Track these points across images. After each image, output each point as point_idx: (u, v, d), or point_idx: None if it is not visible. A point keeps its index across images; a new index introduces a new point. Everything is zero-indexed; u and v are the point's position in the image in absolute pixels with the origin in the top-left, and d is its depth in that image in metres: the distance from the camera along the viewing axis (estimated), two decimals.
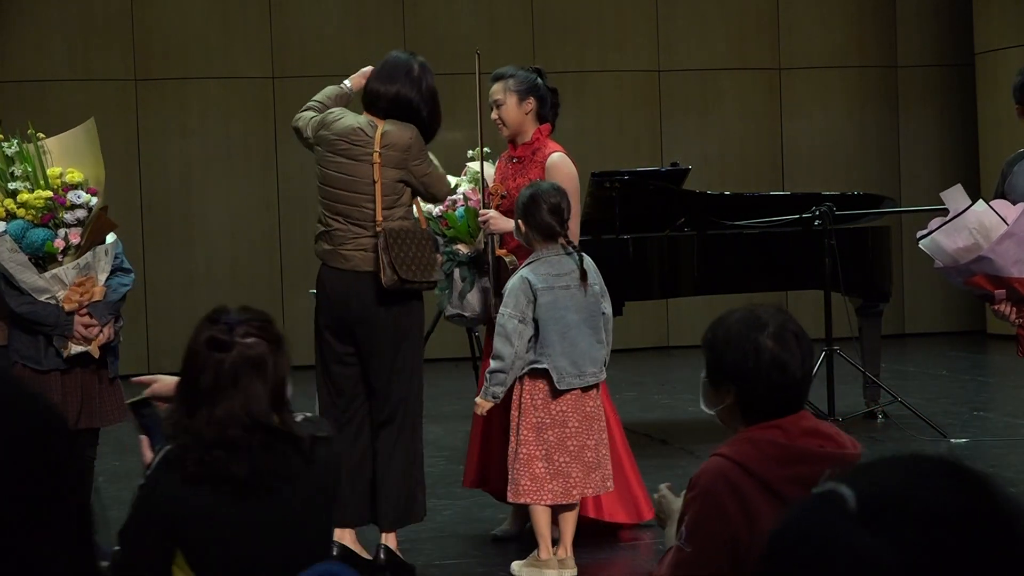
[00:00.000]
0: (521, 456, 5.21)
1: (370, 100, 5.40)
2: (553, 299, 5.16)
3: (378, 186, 5.24)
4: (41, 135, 5.40)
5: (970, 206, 5.22)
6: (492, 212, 5.68)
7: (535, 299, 5.15)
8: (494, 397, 5.19)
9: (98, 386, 5.35)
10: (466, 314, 5.97)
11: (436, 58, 12.44)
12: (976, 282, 5.22)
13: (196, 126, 12.11)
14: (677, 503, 3.07)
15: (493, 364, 5.18)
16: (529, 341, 5.18)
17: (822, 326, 7.94)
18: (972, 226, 5.18)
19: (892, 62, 13.51)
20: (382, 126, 5.30)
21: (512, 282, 5.25)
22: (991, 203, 5.28)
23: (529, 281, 5.17)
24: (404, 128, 5.31)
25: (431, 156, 5.40)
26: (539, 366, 5.18)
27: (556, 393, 5.20)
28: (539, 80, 5.79)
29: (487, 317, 5.83)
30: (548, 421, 5.19)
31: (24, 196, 5.20)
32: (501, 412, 5.58)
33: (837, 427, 3.09)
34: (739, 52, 13.21)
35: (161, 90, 12.02)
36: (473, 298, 5.90)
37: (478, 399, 5.26)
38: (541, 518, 5.24)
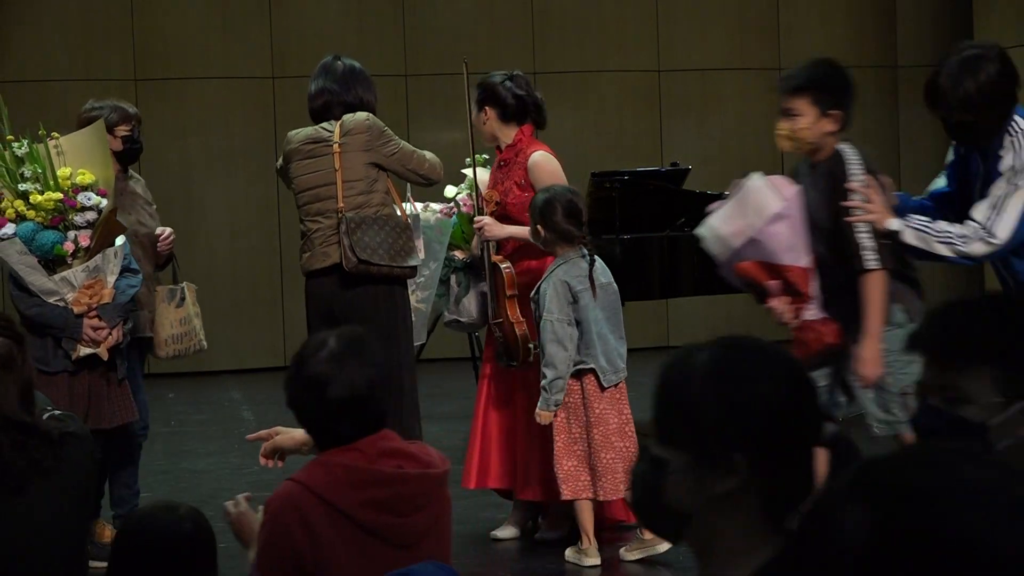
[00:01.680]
0: (577, 453, 5.30)
1: (321, 113, 5.51)
2: (587, 299, 5.26)
3: (338, 174, 5.32)
4: (55, 134, 5.40)
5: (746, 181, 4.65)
6: (486, 219, 5.70)
7: (575, 300, 5.24)
8: (556, 405, 5.27)
9: (106, 388, 5.37)
10: (463, 319, 6.01)
11: (436, 58, 12.48)
12: (745, 269, 4.57)
13: (196, 126, 12.11)
14: (256, 522, 2.98)
15: (550, 373, 5.24)
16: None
17: None
18: (748, 204, 4.58)
19: (892, 62, 13.50)
20: (340, 121, 5.42)
21: (548, 287, 5.28)
22: (771, 178, 4.69)
23: (568, 284, 5.24)
24: (360, 114, 5.44)
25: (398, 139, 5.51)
26: (585, 366, 5.28)
27: (598, 392, 5.30)
28: (499, 86, 5.76)
29: (484, 321, 5.87)
30: (593, 420, 5.30)
31: (35, 198, 5.19)
32: (500, 411, 5.60)
33: (425, 445, 3.04)
34: (739, 52, 13.21)
35: (161, 90, 12.01)
36: (470, 303, 5.95)
37: (540, 411, 5.32)
38: (586, 513, 5.36)
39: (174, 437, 8.70)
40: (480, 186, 5.92)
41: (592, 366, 5.32)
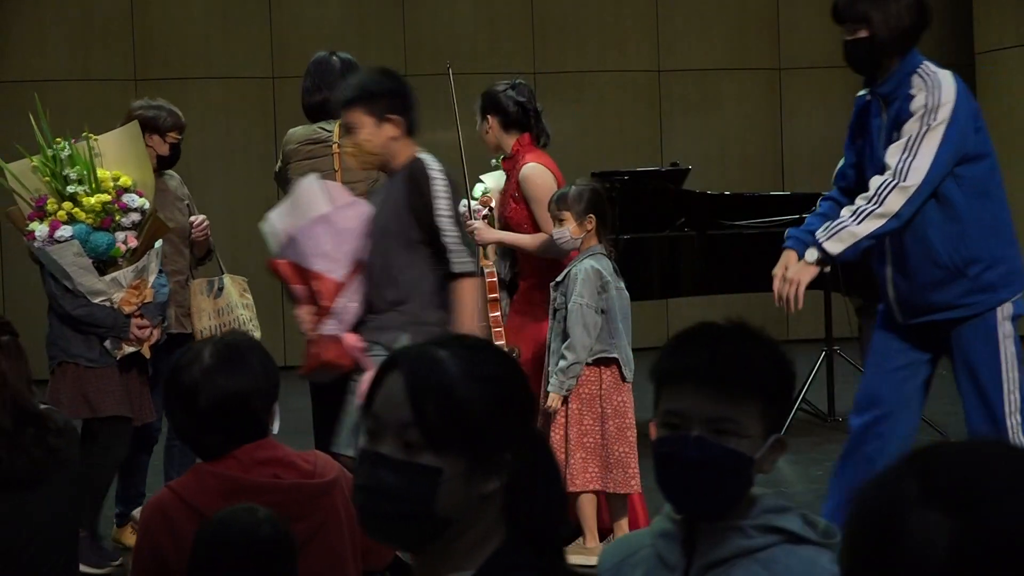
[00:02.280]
0: (587, 445, 5.26)
1: (317, 112, 5.46)
2: (614, 291, 5.24)
3: (338, 175, 5.30)
4: (93, 136, 5.40)
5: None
6: (477, 223, 5.68)
7: (603, 290, 5.20)
8: (568, 390, 5.21)
9: (139, 385, 5.41)
10: None
11: (436, 58, 12.47)
12: (278, 267, 4.48)
13: (196, 126, 12.09)
14: None
15: (570, 356, 5.16)
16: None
17: (822, 326, 7.94)
18: (299, 203, 4.47)
19: None
20: (339, 120, 5.38)
21: (580, 272, 5.21)
22: (329, 183, 4.62)
23: (600, 271, 5.20)
24: None
25: None
26: (608, 355, 5.23)
27: (618, 383, 5.26)
28: (501, 94, 5.73)
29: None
30: (610, 411, 5.25)
31: (87, 200, 5.21)
32: None
33: (316, 453, 3.01)
34: (739, 52, 13.21)
35: (161, 90, 11.98)
36: None
37: (552, 392, 5.22)
38: (589, 509, 5.34)
39: None
40: (494, 191, 5.94)
41: (616, 356, 5.28)
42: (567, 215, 5.26)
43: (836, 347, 7.77)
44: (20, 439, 3.00)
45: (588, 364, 5.25)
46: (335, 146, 5.35)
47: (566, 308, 5.21)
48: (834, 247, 4.18)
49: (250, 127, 12.25)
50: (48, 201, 5.24)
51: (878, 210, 4.13)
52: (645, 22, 13.05)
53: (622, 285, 5.39)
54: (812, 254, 4.21)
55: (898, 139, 4.20)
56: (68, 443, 3.10)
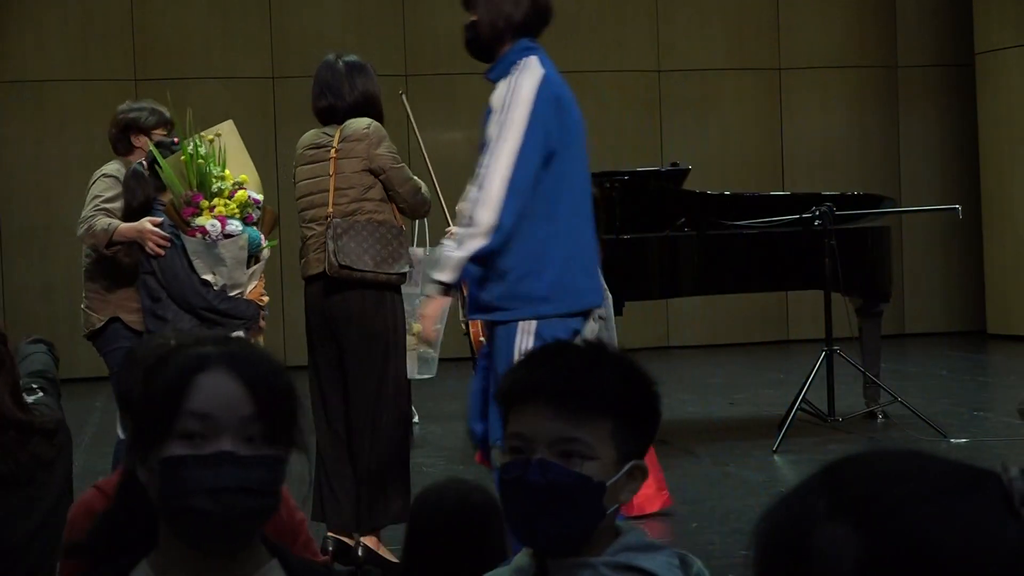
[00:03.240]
0: None
1: (324, 117, 5.48)
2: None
3: (332, 179, 5.30)
4: (208, 136, 5.44)
5: None
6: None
7: None
8: None
9: None
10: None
11: (436, 58, 12.48)
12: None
13: (196, 126, 12.10)
14: None
15: None
16: None
17: (822, 326, 7.94)
18: None
19: (892, 62, 13.50)
20: (341, 126, 5.39)
21: None
22: None
23: None
24: (362, 120, 5.38)
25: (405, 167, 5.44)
26: None
27: None
28: None
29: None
30: None
31: (241, 196, 5.27)
32: None
33: None
34: (739, 52, 13.21)
35: (161, 90, 11.99)
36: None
37: None
38: None
39: None
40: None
41: None
42: None
43: (836, 347, 7.77)
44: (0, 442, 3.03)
45: None
46: (332, 151, 5.36)
47: None
48: (447, 275, 3.99)
49: (250, 127, 12.23)
50: (202, 200, 5.32)
51: (461, 255, 3.95)
52: (645, 22, 13.06)
53: (604, 285, 5.39)
54: (432, 288, 4.06)
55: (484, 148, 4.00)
56: (58, 446, 3.12)
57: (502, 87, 4.00)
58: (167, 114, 5.97)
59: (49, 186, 11.70)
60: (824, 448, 7.24)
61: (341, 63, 5.51)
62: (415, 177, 5.44)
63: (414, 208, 5.45)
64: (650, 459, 5.76)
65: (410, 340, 5.45)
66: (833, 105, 13.38)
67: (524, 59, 4.03)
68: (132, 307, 5.68)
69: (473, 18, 4.09)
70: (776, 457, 7.16)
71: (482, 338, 4.30)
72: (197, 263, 5.27)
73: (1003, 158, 12.56)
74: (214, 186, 5.28)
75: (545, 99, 4.02)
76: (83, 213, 5.53)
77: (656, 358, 12.36)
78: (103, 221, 5.45)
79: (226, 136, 5.49)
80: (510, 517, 1.91)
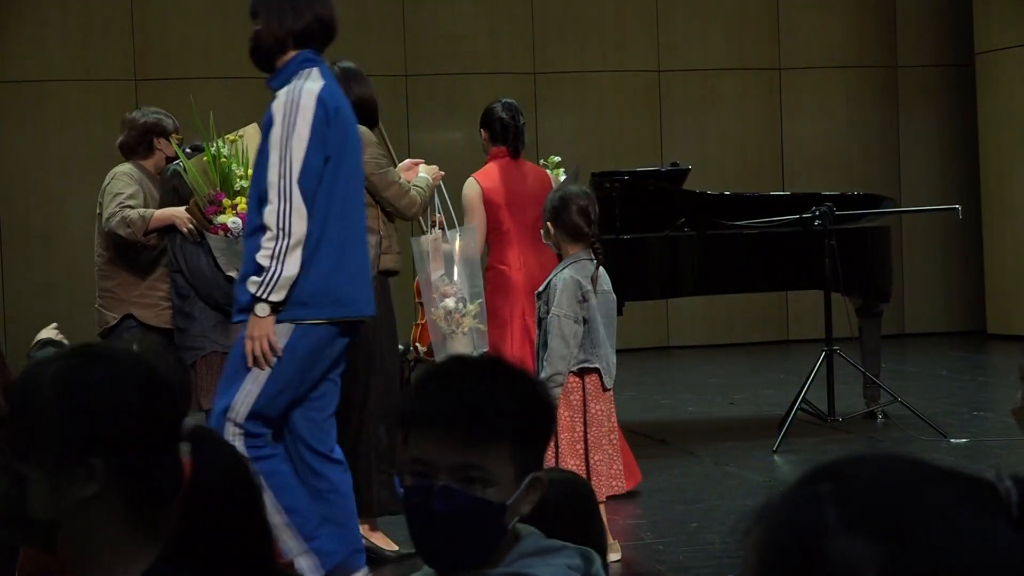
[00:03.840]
0: (579, 452, 5.28)
1: None
2: (595, 300, 5.26)
3: None
4: (232, 136, 5.49)
5: None
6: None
7: (584, 299, 5.22)
8: (555, 400, 5.25)
9: None
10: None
11: (436, 58, 12.48)
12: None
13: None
14: None
15: (550, 368, 5.20)
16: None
17: (822, 326, 7.94)
18: None
19: (892, 62, 13.50)
20: None
21: (559, 282, 5.25)
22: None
23: (579, 281, 5.22)
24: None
25: (394, 171, 5.49)
26: (589, 365, 5.26)
27: (599, 391, 5.29)
28: (493, 110, 6.31)
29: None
30: (588, 419, 5.29)
31: None
32: None
33: None
34: (739, 52, 13.22)
35: (161, 90, 12.01)
36: None
37: None
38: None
39: None
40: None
41: (597, 365, 5.30)
42: (548, 223, 5.35)
43: (836, 347, 7.77)
44: None
45: (572, 372, 5.28)
46: None
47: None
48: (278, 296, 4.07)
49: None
50: (224, 198, 5.36)
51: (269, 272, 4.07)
52: (645, 22, 13.06)
53: (608, 288, 5.37)
54: (263, 308, 4.09)
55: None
56: None
57: (282, 95, 4.08)
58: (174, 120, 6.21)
59: (49, 186, 11.69)
60: (824, 448, 7.24)
61: (337, 69, 5.53)
62: (402, 180, 5.46)
63: (401, 211, 5.50)
64: (622, 442, 5.77)
65: (465, 320, 5.65)
66: (833, 105, 13.38)
67: (306, 69, 4.12)
68: (145, 303, 5.74)
69: (257, 27, 4.16)
70: (776, 457, 7.16)
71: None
72: (221, 260, 5.34)
73: (1003, 158, 12.56)
74: (236, 184, 5.33)
75: (324, 109, 4.09)
76: (108, 209, 5.69)
77: (656, 358, 12.36)
78: (136, 211, 5.64)
79: (248, 138, 5.54)
80: (415, 539, 1.92)
